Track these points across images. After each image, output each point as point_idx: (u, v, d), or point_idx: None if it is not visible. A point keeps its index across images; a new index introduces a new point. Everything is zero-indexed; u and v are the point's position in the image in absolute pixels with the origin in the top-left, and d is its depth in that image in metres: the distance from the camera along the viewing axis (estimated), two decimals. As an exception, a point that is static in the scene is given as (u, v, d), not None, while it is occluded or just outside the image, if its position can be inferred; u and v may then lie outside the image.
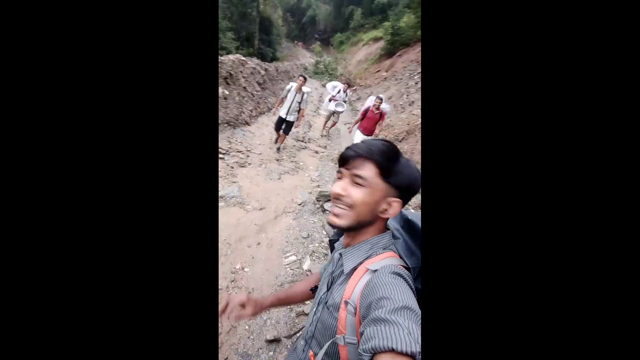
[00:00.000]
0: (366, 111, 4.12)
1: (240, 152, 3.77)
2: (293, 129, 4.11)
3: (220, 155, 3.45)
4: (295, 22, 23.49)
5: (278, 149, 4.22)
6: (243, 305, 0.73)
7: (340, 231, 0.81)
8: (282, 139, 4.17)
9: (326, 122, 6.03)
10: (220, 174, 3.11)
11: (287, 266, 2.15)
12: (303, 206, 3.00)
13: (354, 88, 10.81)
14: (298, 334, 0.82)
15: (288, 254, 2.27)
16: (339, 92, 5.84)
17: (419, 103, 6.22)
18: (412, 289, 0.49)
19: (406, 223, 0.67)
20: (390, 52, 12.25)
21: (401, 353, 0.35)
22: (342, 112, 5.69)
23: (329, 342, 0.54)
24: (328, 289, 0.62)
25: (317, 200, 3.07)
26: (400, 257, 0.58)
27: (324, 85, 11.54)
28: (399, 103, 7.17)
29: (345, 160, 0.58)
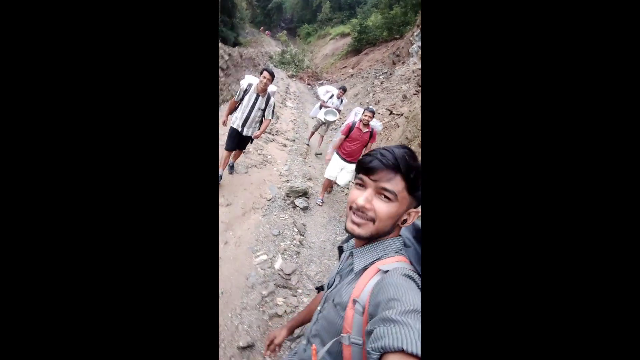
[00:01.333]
0: (350, 128, 2.92)
1: (203, 141, 3.48)
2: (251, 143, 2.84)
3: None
4: (260, 7, 22.47)
5: (231, 166, 3.06)
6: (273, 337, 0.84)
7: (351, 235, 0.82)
8: (236, 155, 2.98)
9: (313, 132, 4.97)
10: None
11: (258, 266, 2.04)
12: (272, 202, 2.89)
13: (320, 82, 10.75)
14: (299, 338, 0.82)
15: (258, 253, 2.17)
16: (331, 97, 4.65)
17: (385, 102, 6.41)
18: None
19: (418, 232, 0.67)
20: (357, 49, 12.42)
21: (411, 354, 0.35)
22: (333, 121, 4.59)
23: (333, 340, 0.53)
24: (335, 287, 0.62)
25: (288, 196, 2.99)
26: (410, 263, 0.57)
27: (290, 77, 11.28)
28: (365, 101, 7.31)
29: (370, 170, 0.55)
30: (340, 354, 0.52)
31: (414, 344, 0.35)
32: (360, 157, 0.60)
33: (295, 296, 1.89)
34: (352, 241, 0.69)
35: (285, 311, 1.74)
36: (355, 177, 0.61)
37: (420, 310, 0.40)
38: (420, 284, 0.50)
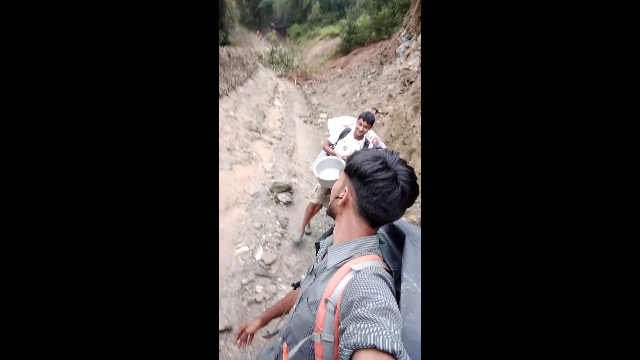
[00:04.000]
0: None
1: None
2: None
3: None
4: (250, 7, 22.40)
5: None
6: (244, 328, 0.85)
7: (329, 231, 0.85)
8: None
9: (314, 210, 2.39)
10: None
11: (239, 256, 2.11)
12: (256, 197, 2.95)
13: (309, 82, 10.83)
14: (274, 335, 0.82)
15: (239, 245, 2.23)
16: (345, 134, 2.27)
17: (371, 102, 6.54)
18: (392, 291, 0.50)
19: (391, 229, 0.70)
20: (345, 49, 12.53)
21: (383, 351, 0.35)
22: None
23: (305, 339, 0.54)
24: (309, 285, 0.62)
25: (271, 192, 3.05)
26: (384, 261, 0.59)
27: (279, 76, 11.32)
28: (352, 100, 7.43)
29: None
30: (312, 352, 0.53)
31: (386, 341, 0.35)
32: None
33: (275, 284, 1.96)
34: (330, 238, 0.70)
35: (264, 298, 1.81)
36: None
37: (391, 308, 0.41)
38: (391, 283, 0.52)
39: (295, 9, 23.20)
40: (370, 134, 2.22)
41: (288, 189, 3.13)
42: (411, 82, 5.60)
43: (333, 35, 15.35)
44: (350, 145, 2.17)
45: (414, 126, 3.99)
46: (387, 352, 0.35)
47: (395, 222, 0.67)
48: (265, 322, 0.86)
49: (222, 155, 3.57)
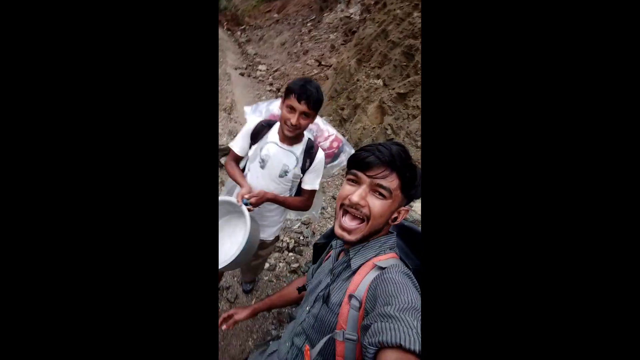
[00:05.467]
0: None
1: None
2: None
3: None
4: None
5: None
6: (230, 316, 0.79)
7: (329, 238, 0.81)
8: None
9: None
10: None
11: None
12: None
13: (243, 27, 9.59)
14: (271, 342, 0.78)
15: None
16: (266, 129, 1.07)
17: (313, 53, 6.16)
18: (418, 290, 0.49)
19: (401, 229, 0.69)
20: (281, -10, 11.22)
21: (408, 351, 0.35)
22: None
23: (327, 337, 0.53)
24: (326, 286, 0.60)
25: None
26: (401, 259, 0.59)
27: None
28: (293, 51, 6.90)
29: (366, 166, 0.53)
30: (332, 351, 0.52)
31: (412, 341, 0.35)
32: (355, 152, 0.57)
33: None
34: (340, 241, 0.66)
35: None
36: (348, 173, 0.57)
37: (418, 308, 0.40)
38: (416, 282, 0.51)
39: None
40: (318, 129, 1.14)
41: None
42: (354, 32, 5.37)
43: (265, -28, 13.48)
44: (274, 158, 1.02)
45: (357, 80, 3.92)
46: (412, 352, 0.34)
47: (406, 223, 0.69)
48: (255, 313, 0.82)
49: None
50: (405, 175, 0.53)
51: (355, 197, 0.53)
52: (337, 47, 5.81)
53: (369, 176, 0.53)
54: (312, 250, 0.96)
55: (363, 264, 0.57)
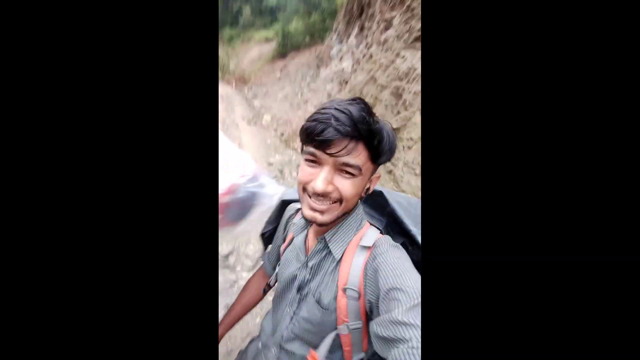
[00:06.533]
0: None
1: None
2: None
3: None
4: (175, 9, 20.98)
5: None
6: None
7: (274, 222, 0.75)
8: None
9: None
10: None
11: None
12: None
13: (249, 85, 10.69)
14: (249, 345, 0.71)
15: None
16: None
17: (312, 101, 6.80)
18: (410, 260, 0.47)
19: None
20: (282, 53, 12.68)
21: None
22: None
23: (332, 335, 0.49)
24: (306, 282, 0.54)
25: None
26: (372, 225, 0.55)
27: (215, 80, 10.86)
28: (294, 102, 7.62)
29: (325, 143, 0.42)
30: (338, 344, 0.50)
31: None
32: (306, 123, 0.45)
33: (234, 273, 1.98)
34: (299, 221, 0.60)
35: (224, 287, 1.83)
36: (304, 151, 0.46)
37: (419, 303, 0.38)
38: (408, 256, 0.48)
39: (225, 13, 22.56)
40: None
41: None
42: (346, 82, 6.03)
43: (268, 40, 15.37)
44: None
45: (354, 121, 4.32)
46: None
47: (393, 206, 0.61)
48: (227, 328, 0.74)
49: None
50: (373, 144, 0.44)
51: (319, 186, 0.44)
52: (333, 95, 6.44)
53: (330, 154, 0.43)
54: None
55: (346, 249, 0.51)
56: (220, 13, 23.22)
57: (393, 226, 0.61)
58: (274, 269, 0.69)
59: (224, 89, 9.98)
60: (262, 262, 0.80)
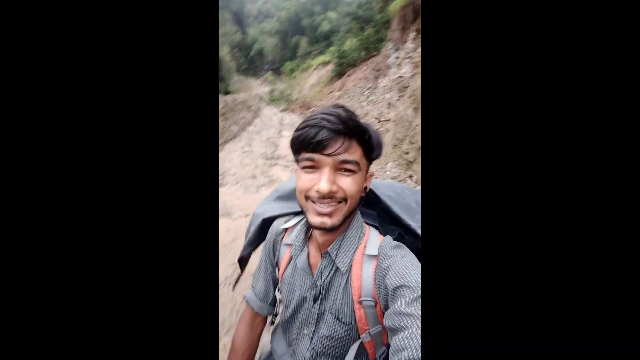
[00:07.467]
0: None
1: (214, 174, 3.93)
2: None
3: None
4: (243, 57, 24.35)
5: None
6: None
7: (255, 243, 0.72)
8: None
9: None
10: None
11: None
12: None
13: (311, 110, 11.43)
14: None
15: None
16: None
17: (372, 113, 6.86)
18: (413, 254, 0.49)
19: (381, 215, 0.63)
20: (339, 73, 13.22)
21: None
22: None
23: (355, 346, 0.50)
24: (320, 301, 0.53)
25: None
26: (367, 224, 0.56)
27: (282, 111, 12.04)
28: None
29: (320, 144, 0.44)
30: (362, 350, 0.51)
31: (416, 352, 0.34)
32: (296, 132, 0.47)
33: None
34: (296, 240, 0.57)
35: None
36: (300, 160, 0.48)
37: (420, 295, 0.40)
38: (409, 250, 0.50)
39: (285, 49, 24.96)
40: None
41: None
42: (406, 87, 5.91)
43: (325, 63, 16.24)
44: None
45: (417, 125, 4.19)
46: None
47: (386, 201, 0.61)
48: None
49: (248, 182, 3.91)
50: (364, 139, 0.47)
51: (324, 186, 0.44)
52: (393, 103, 6.37)
53: (328, 155, 0.44)
54: None
55: (353, 260, 0.51)
56: (280, 51, 25.84)
57: (385, 217, 0.62)
58: (266, 301, 0.65)
59: (290, 118, 10.92)
60: (247, 302, 0.68)
